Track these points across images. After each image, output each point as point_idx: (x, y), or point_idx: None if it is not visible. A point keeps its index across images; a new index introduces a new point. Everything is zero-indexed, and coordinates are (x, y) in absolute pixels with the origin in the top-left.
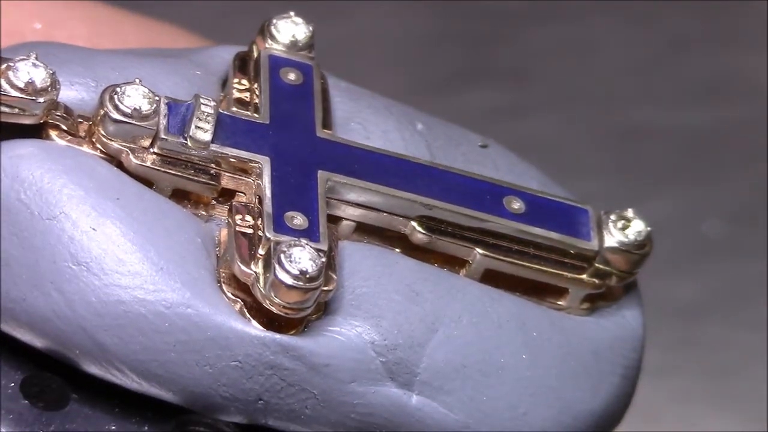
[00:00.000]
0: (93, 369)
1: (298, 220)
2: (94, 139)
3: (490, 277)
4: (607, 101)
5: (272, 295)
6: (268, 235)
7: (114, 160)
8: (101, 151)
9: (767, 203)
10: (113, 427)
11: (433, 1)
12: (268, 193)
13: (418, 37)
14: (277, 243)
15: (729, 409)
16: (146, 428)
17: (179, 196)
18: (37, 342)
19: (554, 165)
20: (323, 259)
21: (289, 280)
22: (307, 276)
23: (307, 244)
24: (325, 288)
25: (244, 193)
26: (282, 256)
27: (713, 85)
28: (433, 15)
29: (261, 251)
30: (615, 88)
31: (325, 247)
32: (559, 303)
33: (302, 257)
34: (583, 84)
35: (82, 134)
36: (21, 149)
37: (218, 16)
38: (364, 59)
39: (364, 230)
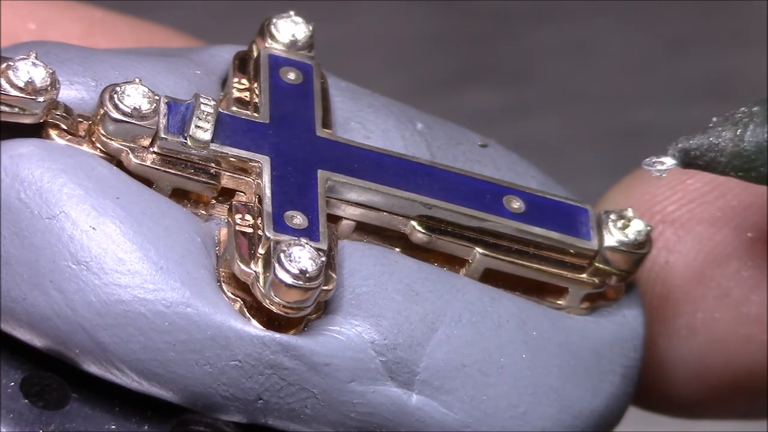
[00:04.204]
0: (93, 368)
1: (298, 219)
2: (94, 139)
3: (490, 277)
4: (607, 101)
5: (272, 294)
6: (267, 234)
7: (114, 159)
8: (101, 151)
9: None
10: (113, 427)
11: (433, 1)
12: (267, 192)
13: (418, 37)
14: (277, 242)
15: None
16: (146, 428)
17: (179, 195)
18: (37, 341)
19: (554, 165)
20: (323, 259)
21: (288, 280)
22: (307, 275)
23: (307, 243)
24: (325, 287)
25: (244, 193)
26: (282, 255)
27: (713, 85)
28: (433, 15)
29: (261, 250)
30: (615, 88)
31: (325, 247)
32: (559, 302)
33: (302, 256)
34: (583, 84)
35: (82, 133)
36: (21, 148)
37: (215, 18)
38: (364, 59)
39: (364, 230)
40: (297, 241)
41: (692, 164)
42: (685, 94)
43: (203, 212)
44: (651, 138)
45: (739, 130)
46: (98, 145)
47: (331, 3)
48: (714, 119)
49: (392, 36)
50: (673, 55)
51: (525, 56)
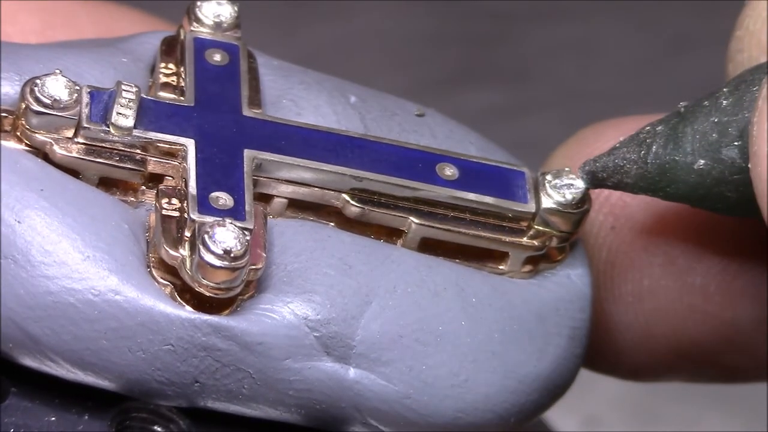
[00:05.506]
0: (28, 361)
1: (224, 200)
2: (19, 133)
3: (429, 246)
4: (607, 101)
5: (199, 276)
6: (192, 216)
7: (40, 152)
8: (27, 144)
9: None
10: (53, 419)
11: (433, 1)
12: (192, 174)
13: (418, 37)
14: (202, 224)
15: (729, 409)
16: (86, 417)
17: (108, 184)
18: None
19: None
20: (248, 238)
21: (213, 261)
22: (232, 255)
23: (231, 223)
24: (254, 266)
25: (172, 177)
26: (206, 236)
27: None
28: (433, 15)
29: (187, 233)
30: (615, 88)
31: (251, 225)
32: (501, 268)
33: (226, 237)
34: (583, 84)
35: (8, 128)
36: None
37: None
38: (364, 59)
39: (298, 206)
40: (221, 222)
41: (601, 185)
42: (685, 94)
43: (132, 199)
44: None
45: (642, 152)
46: (24, 139)
47: (331, 3)
48: (621, 139)
49: (392, 36)
50: (673, 55)
51: (525, 56)
